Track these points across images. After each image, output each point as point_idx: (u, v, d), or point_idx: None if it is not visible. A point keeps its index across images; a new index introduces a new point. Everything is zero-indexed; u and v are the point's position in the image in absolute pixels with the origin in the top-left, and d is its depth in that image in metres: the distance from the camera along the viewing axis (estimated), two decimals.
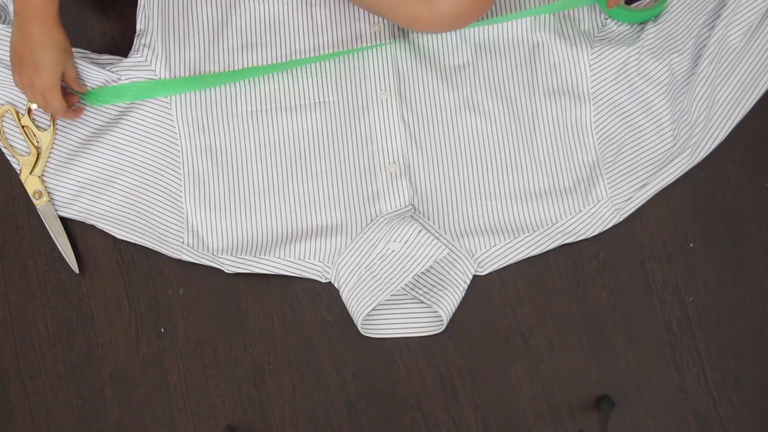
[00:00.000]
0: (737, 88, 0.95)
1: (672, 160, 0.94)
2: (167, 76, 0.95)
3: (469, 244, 0.94)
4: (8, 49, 0.94)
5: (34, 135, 0.95)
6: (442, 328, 0.93)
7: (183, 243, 0.94)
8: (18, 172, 0.95)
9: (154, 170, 0.95)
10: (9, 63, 0.95)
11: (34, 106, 0.95)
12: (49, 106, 0.90)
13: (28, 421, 0.94)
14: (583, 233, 0.94)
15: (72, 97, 0.93)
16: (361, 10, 0.97)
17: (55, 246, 0.95)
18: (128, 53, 0.97)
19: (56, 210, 0.95)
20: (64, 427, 0.94)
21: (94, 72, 0.94)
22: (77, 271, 0.95)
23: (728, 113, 0.95)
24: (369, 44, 0.96)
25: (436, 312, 0.93)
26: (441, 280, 0.93)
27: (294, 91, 0.96)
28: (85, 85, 0.94)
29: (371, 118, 0.95)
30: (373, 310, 0.93)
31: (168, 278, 0.95)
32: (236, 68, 0.96)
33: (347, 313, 0.94)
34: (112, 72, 0.95)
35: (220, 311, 0.95)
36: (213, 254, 0.94)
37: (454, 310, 0.93)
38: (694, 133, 0.94)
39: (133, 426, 0.94)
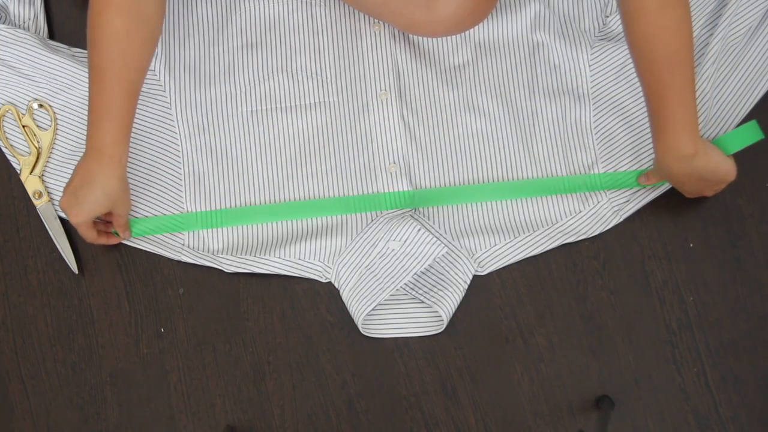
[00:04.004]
0: (738, 89, 0.95)
1: None
2: (167, 76, 0.96)
3: (469, 243, 0.94)
4: (8, 48, 0.94)
5: (35, 135, 0.95)
6: (442, 328, 0.93)
7: (183, 245, 0.94)
8: (18, 172, 0.95)
9: (154, 170, 0.95)
10: (10, 63, 0.95)
11: (35, 106, 0.95)
12: (80, 233, 0.90)
13: (28, 421, 0.94)
14: (584, 233, 0.94)
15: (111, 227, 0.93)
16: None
17: (55, 246, 0.95)
18: None
19: (56, 210, 0.95)
20: (64, 427, 0.94)
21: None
22: (76, 272, 0.95)
23: (729, 113, 0.95)
24: (369, 44, 0.96)
25: (436, 312, 0.93)
26: (441, 279, 0.93)
27: (294, 90, 0.96)
28: (130, 232, 0.93)
29: (371, 117, 0.95)
30: (373, 310, 0.93)
31: (168, 278, 0.95)
32: (236, 68, 0.96)
33: (347, 313, 0.94)
34: None
35: (220, 311, 0.95)
36: (213, 254, 0.94)
37: (454, 310, 0.93)
38: None
39: (133, 426, 0.94)
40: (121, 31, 0.81)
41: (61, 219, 0.95)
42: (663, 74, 0.81)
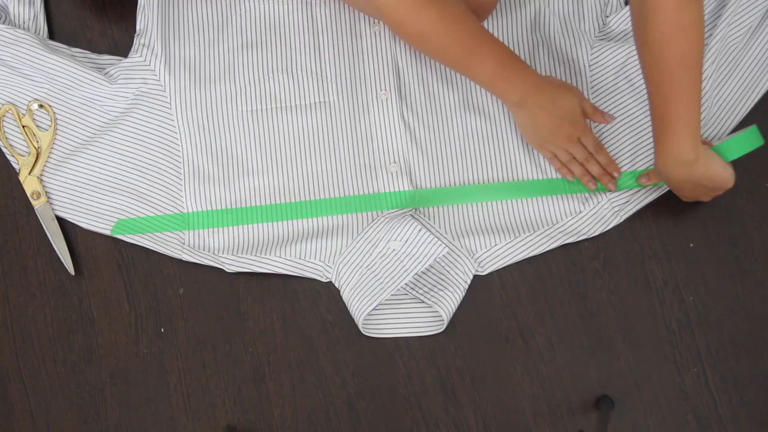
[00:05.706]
0: (738, 89, 0.95)
1: None
2: (167, 76, 0.95)
3: (470, 243, 0.94)
4: (8, 48, 0.94)
5: (35, 135, 0.95)
6: (443, 328, 0.93)
7: (183, 244, 0.94)
8: (18, 172, 0.95)
9: (154, 170, 0.95)
10: (10, 63, 0.95)
11: (35, 106, 0.95)
12: (588, 144, 0.91)
13: (28, 421, 0.94)
14: (584, 233, 0.94)
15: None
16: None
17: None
18: (128, 53, 0.97)
19: (54, 211, 0.95)
20: (64, 427, 0.94)
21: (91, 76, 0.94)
22: (73, 273, 0.95)
23: (729, 113, 0.95)
24: (369, 44, 0.96)
25: (437, 312, 0.93)
26: (441, 279, 0.93)
27: (294, 90, 0.96)
28: (605, 113, 0.91)
29: (371, 117, 0.95)
30: (373, 310, 0.93)
31: (168, 278, 0.95)
32: (236, 68, 0.96)
33: (347, 313, 0.94)
34: (112, 72, 0.95)
35: (220, 311, 0.95)
36: (214, 254, 0.94)
37: (454, 310, 0.93)
38: None
39: (133, 426, 0.94)
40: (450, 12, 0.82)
41: (59, 219, 0.95)
42: (673, 75, 0.81)
